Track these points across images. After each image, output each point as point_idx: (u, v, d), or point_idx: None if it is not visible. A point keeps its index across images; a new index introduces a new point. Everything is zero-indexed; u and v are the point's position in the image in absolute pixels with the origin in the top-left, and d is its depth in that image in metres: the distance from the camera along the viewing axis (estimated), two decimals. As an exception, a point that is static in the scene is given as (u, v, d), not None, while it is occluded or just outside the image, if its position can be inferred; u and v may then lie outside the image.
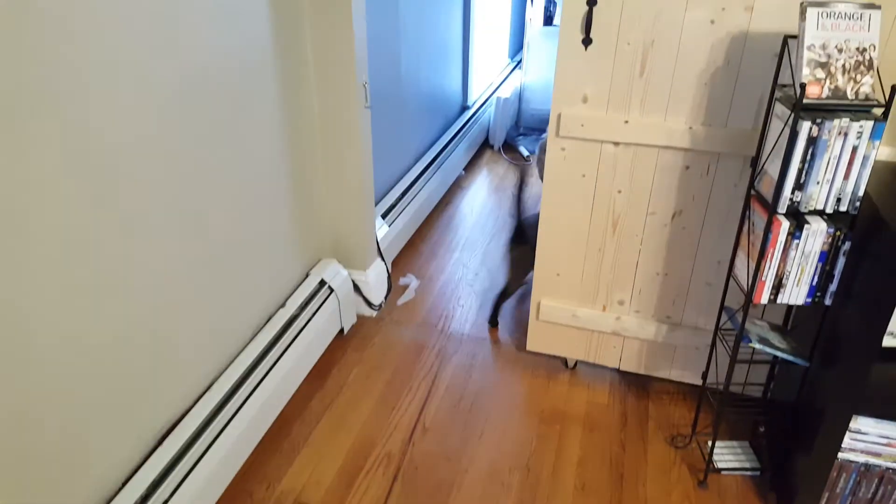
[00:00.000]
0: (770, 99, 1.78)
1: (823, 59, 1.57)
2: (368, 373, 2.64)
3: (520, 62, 5.28)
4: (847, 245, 1.74)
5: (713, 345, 2.22)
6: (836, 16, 1.55)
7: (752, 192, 1.87)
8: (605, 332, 2.50)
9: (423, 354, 2.75)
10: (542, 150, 3.20)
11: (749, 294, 1.86)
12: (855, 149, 1.62)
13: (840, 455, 1.86)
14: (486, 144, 4.94)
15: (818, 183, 1.67)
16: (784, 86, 1.75)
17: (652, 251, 2.30)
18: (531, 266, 2.55)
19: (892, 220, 1.62)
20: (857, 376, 1.75)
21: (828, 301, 1.84)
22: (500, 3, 5.18)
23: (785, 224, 1.73)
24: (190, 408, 2.01)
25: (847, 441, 1.84)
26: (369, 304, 2.94)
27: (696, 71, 1.99)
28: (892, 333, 1.67)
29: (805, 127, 1.59)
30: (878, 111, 1.61)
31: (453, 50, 4.24)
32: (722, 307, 2.12)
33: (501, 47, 5.39)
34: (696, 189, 2.16)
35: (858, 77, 1.58)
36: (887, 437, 1.82)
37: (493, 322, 2.94)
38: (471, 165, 4.61)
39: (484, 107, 4.81)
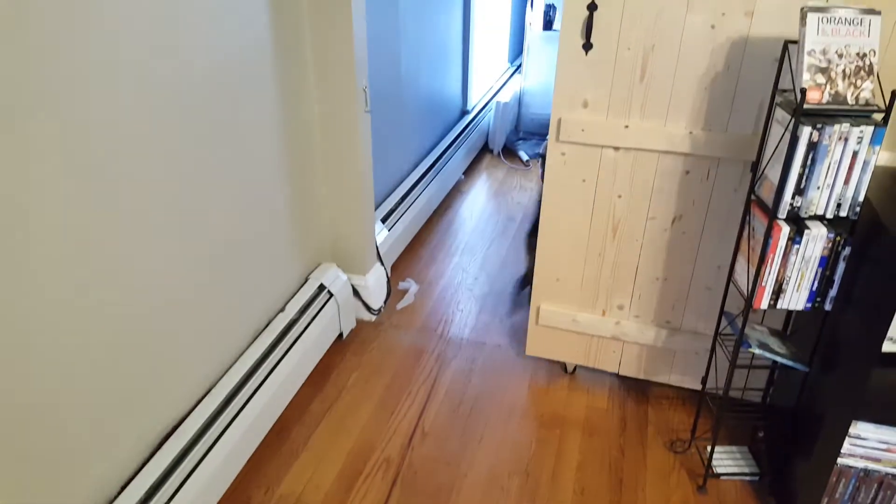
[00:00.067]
0: (770, 104, 1.78)
1: (824, 65, 1.57)
2: (368, 377, 2.64)
3: (519, 66, 5.29)
4: (847, 250, 1.74)
5: (713, 350, 2.22)
6: (836, 21, 1.56)
7: (753, 197, 1.87)
8: (605, 337, 2.50)
9: (422, 359, 2.75)
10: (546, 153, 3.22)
11: (749, 299, 1.86)
12: (855, 154, 1.62)
13: (839, 460, 1.86)
14: (485, 149, 4.95)
15: (818, 188, 1.67)
16: (784, 91, 1.75)
17: (652, 256, 2.30)
18: None
19: (892, 225, 1.62)
20: (857, 381, 1.75)
21: (828, 306, 1.84)
22: (500, 8, 5.18)
23: (785, 229, 1.73)
24: (189, 411, 2.01)
25: (846, 446, 1.83)
26: (368, 308, 2.93)
27: (697, 76, 1.99)
28: (891, 339, 1.67)
29: (805, 132, 1.59)
30: (879, 116, 1.62)
31: (453, 54, 4.25)
32: (722, 312, 2.12)
33: (501, 52, 5.40)
34: (696, 194, 2.16)
35: (859, 82, 1.58)
36: (887, 443, 1.82)
37: (520, 298, 2.93)
38: (470, 170, 4.61)
39: (483, 111, 4.82)
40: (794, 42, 1.64)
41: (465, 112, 4.70)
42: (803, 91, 1.57)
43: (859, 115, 1.62)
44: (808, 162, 1.63)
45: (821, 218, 1.75)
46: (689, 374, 2.47)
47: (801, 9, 1.57)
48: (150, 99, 1.66)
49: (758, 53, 1.92)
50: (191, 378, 2.01)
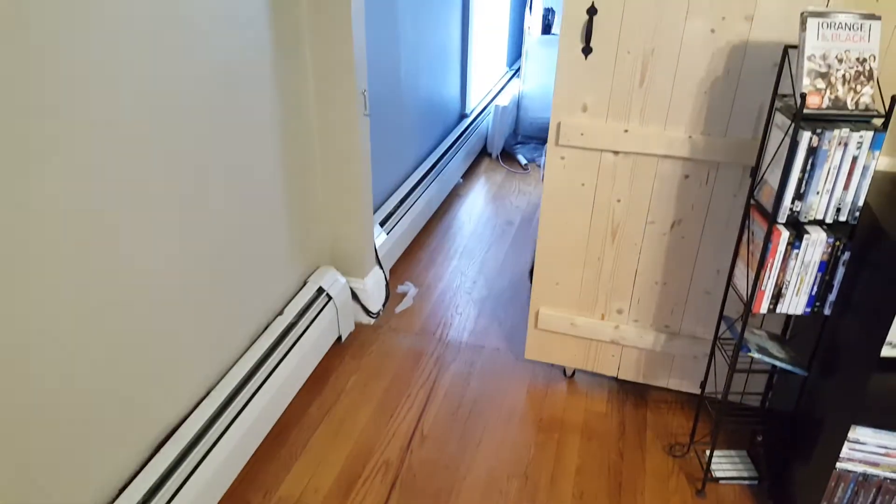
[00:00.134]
0: (770, 109, 1.79)
1: (824, 70, 1.58)
2: (366, 380, 2.63)
3: (518, 70, 5.29)
4: (846, 255, 1.75)
5: (712, 354, 2.22)
6: (836, 26, 1.56)
7: (752, 201, 1.87)
8: (604, 341, 2.50)
9: (421, 362, 2.75)
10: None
11: (748, 303, 1.86)
12: (855, 159, 1.62)
13: (838, 464, 1.86)
14: (484, 152, 4.95)
15: (818, 193, 1.67)
16: (784, 96, 1.75)
17: (651, 260, 2.30)
18: None
19: (891, 230, 1.63)
20: (856, 386, 1.75)
21: (827, 311, 1.85)
22: (499, 12, 5.19)
23: (785, 234, 1.73)
24: (187, 415, 2.00)
25: (845, 451, 1.84)
26: (367, 311, 2.93)
27: (696, 80, 2.00)
28: (890, 343, 1.67)
29: (805, 137, 1.59)
30: (878, 121, 1.62)
31: (452, 58, 4.25)
32: (721, 316, 2.12)
33: (500, 55, 5.41)
34: (695, 198, 2.16)
35: (858, 87, 1.59)
36: (885, 448, 1.82)
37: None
38: (469, 173, 4.62)
39: (482, 115, 4.82)
40: (794, 47, 1.65)
41: (463, 116, 4.70)
42: (803, 96, 1.58)
43: (859, 120, 1.62)
44: (808, 167, 1.64)
45: (820, 223, 1.75)
46: (687, 378, 2.47)
47: (802, 14, 1.57)
48: (150, 99, 1.66)
49: (757, 58, 1.92)
50: (189, 380, 2.00)
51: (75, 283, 1.52)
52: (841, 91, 1.59)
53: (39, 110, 1.36)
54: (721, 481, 2.23)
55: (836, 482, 1.89)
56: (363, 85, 2.51)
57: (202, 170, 1.90)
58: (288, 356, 2.39)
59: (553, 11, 4.75)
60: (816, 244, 1.73)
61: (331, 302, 2.67)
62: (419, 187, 3.69)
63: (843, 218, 1.71)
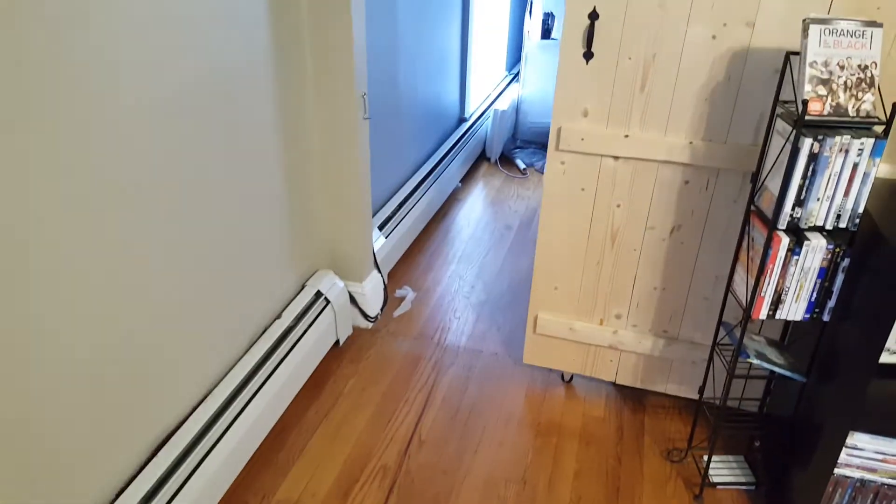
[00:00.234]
0: (771, 115, 1.79)
1: (825, 76, 1.58)
2: (364, 384, 2.63)
3: (517, 75, 5.29)
4: (846, 261, 1.75)
5: (710, 359, 2.22)
6: (838, 33, 1.57)
7: (752, 207, 1.88)
8: (602, 346, 2.50)
9: (419, 366, 2.74)
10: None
11: (748, 309, 1.86)
12: (855, 166, 1.62)
13: (836, 470, 1.86)
14: (482, 157, 4.95)
15: (818, 199, 1.68)
16: (785, 102, 1.76)
17: (650, 265, 2.31)
18: None
19: (891, 236, 1.63)
20: (855, 392, 1.75)
21: (826, 317, 1.85)
22: (498, 16, 5.20)
23: (785, 240, 1.73)
24: (185, 419, 2.00)
25: (843, 456, 1.84)
26: (365, 315, 2.93)
27: (697, 86, 2.00)
28: (888, 349, 1.67)
29: (806, 143, 1.60)
30: (879, 129, 1.62)
31: (451, 61, 4.26)
32: (720, 322, 2.12)
33: (499, 60, 5.41)
34: (695, 204, 2.16)
35: (860, 94, 1.59)
36: (883, 454, 1.82)
37: None
38: (467, 178, 4.62)
39: (481, 119, 4.82)
40: (796, 53, 1.65)
41: (462, 120, 4.71)
42: (805, 102, 1.58)
43: (860, 127, 1.62)
44: (809, 173, 1.64)
45: (820, 229, 1.75)
46: (685, 383, 2.47)
47: (804, 20, 1.57)
48: (148, 101, 1.66)
49: (758, 64, 1.93)
50: (187, 384, 2.00)
51: (73, 286, 1.51)
52: (842, 98, 1.59)
53: (37, 112, 1.36)
54: (718, 486, 2.23)
55: (833, 488, 1.89)
56: (363, 88, 2.51)
57: (201, 172, 1.90)
58: (286, 360, 2.38)
59: (553, 16, 4.76)
60: (816, 250, 1.74)
61: (329, 306, 2.67)
62: (418, 191, 3.69)
63: (842, 224, 1.72)
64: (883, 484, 1.87)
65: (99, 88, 1.49)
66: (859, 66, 1.58)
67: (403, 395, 2.58)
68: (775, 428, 2.20)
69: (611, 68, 2.05)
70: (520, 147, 5.05)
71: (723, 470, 2.27)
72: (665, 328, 2.40)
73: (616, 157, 2.16)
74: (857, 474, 1.86)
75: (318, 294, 2.64)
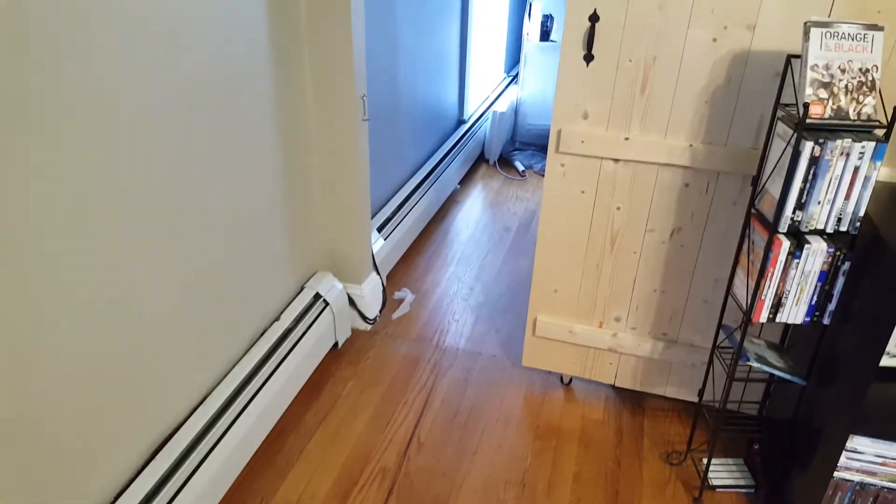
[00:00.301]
0: (772, 118, 1.79)
1: (826, 79, 1.58)
2: (363, 387, 2.62)
3: (515, 77, 5.29)
4: (846, 265, 1.75)
5: (710, 362, 2.21)
6: (839, 36, 1.57)
7: (753, 210, 1.87)
8: (601, 349, 2.50)
9: (418, 369, 2.74)
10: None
11: (748, 312, 1.86)
12: (856, 169, 1.62)
13: (836, 474, 1.86)
14: (481, 158, 4.94)
15: (819, 203, 1.68)
16: (786, 105, 1.76)
17: (650, 268, 2.30)
18: None
19: (892, 239, 1.63)
20: (855, 395, 1.75)
21: (826, 320, 1.85)
22: (497, 18, 5.20)
23: (785, 243, 1.73)
24: (183, 421, 1.99)
25: (843, 460, 1.84)
26: (364, 317, 2.92)
27: (698, 89, 2.00)
28: (889, 353, 1.67)
29: (808, 147, 1.60)
30: (880, 132, 1.62)
31: (450, 63, 4.25)
32: (720, 325, 2.12)
33: (498, 61, 5.41)
34: (694, 207, 2.16)
35: (861, 98, 1.59)
36: (883, 457, 1.82)
37: None
38: (466, 180, 4.61)
39: (480, 121, 4.82)
40: (797, 56, 1.65)
41: (461, 121, 4.70)
42: (806, 105, 1.58)
43: (861, 130, 1.62)
44: (810, 177, 1.64)
45: (821, 232, 1.75)
46: (684, 386, 2.47)
47: (805, 23, 1.57)
48: (148, 104, 1.65)
49: (759, 67, 1.93)
50: (185, 387, 1.99)
51: (73, 290, 1.51)
52: (843, 101, 1.59)
53: (36, 113, 1.35)
54: (718, 489, 2.22)
55: (833, 491, 1.89)
56: (362, 89, 2.50)
57: (199, 174, 1.90)
58: (284, 362, 2.37)
59: (552, 18, 4.76)
60: (817, 254, 1.74)
61: (328, 308, 2.66)
62: (417, 193, 3.68)
63: (843, 228, 1.71)
64: (883, 487, 1.87)
65: (98, 89, 1.48)
66: (860, 69, 1.58)
67: (402, 397, 2.58)
68: (775, 431, 2.20)
69: (611, 71, 2.05)
70: (518, 149, 5.05)
71: (722, 473, 2.27)
72: (664, 331, 2.40)
73: (616, 160, 2.16)
74: (857, 478, 1.86)
75: (317, 296, 2.64)
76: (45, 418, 1.49)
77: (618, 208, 2.24)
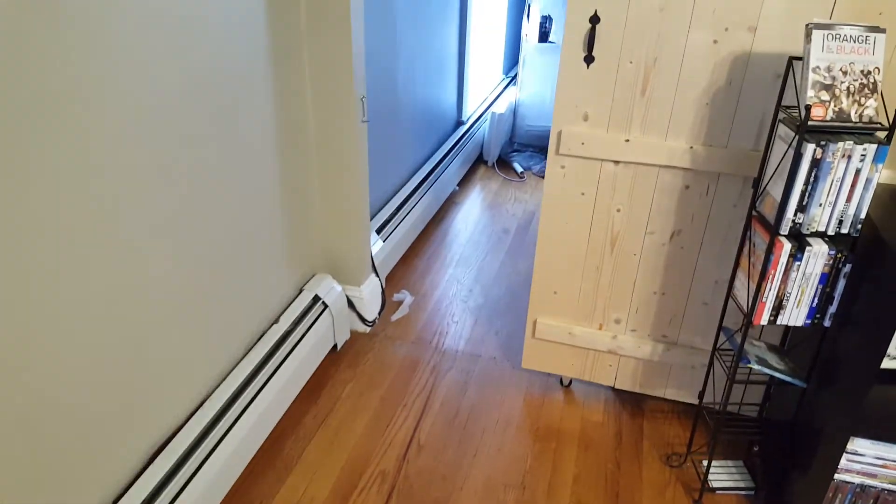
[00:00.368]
0: (773, 120, 1.78)
1: (828, 82, 1.58)
2: (362, 389, 2.62)
3: (514, 78, 5.29)
4: (848, 267, 1.75)
5: (710, 364, 2.21)
6: (841, 38, 1.56)
7: (754, 213, 1.87)
8: (601, 351, 2.49)
9: (417, 371, 2.73)
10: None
11: (749, 315, 1.85)
12: (858, 171, 1.62)
13: (836, 476, 1.86)
14: (480, 160, 4.94)
15: (820, 205, 1.67)
16: (788, 107, 1.75)
17: (650, 270, 2.30)
18: None
19: (893, 242, 1.63)
20: (856, 397, 1.74)
21: (827, 322, 1.85)
22: (496, 19, 5.19)
23: (787, 246, 1.73)
24: (182, 425, 1.98)
25: (843, 462, 1.84)
26: (363, 320, 2.92)
27: (698, 91, 2.00)
28: (889, 355, 1.67)
29: (809, 149, 1.59)
30: (882, 134, 1.62)
31: (449, 64, 4.25)
32: (720, 327, 2.12)
33: (496, 63, 5.41)
34: (695, 209, 2.16)
35: (863, 100, 1.59)
36: (883, 459, 1.82)
37: None
38: (465, 181, 4.61)
39: (479, 122, 4.81)
40: (798, 58, 1.65)
41: (460, 123, 4.70)
42: (808, 108, 1.57)
43: (863, 132, 1.62)
44: (811, 179, 1.63)
45: (822, 235, 1.75)
46: (684, 388, 2.47)
47: (807, 25, 1.57)
48: (147, 105, 1.65)
49: (760, 69, 1.92)
50: (184, 389, 1.98)
51: (71, 292, 1.50)
52: (845, 103, 1.59)
53: (35, 114, 1.34)
54: (718, 491, 2.22)
55: (833, 493, 1.89)
56: (362, 91, 2.50)
57: (197, 176, 1.89)
58: (283, 365, 2.36)
59: (550, 19, 4.76)
60: (818, 256, 1.73)
61: (327, 310, 2.66)
62: (416, 194, 3.67)
63: (844, 230, 1.71)
64: (883, 489, 1.87)
65: (96, 90, 1.48)
66: (862, 71, 1.58)
67: (402, 399, 2.57)
68: (775, 433, 2.19)
69: (612, 72, 2.04)
70: (517, 150, 5.05)
71: (722, 475, 2.26)
72: (664, 333, 2.40)
73: (616, 162, 2.16)
74: (857, 480, 1.86)
75: (316, 298, 2.63)
76: (44, 420, 1.48)
77: (618, 210, 2.23)
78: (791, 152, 1.64)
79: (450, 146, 4.30)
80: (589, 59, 2.04)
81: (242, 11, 1.97)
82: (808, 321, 1.85)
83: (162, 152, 1.72)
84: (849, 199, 1.66)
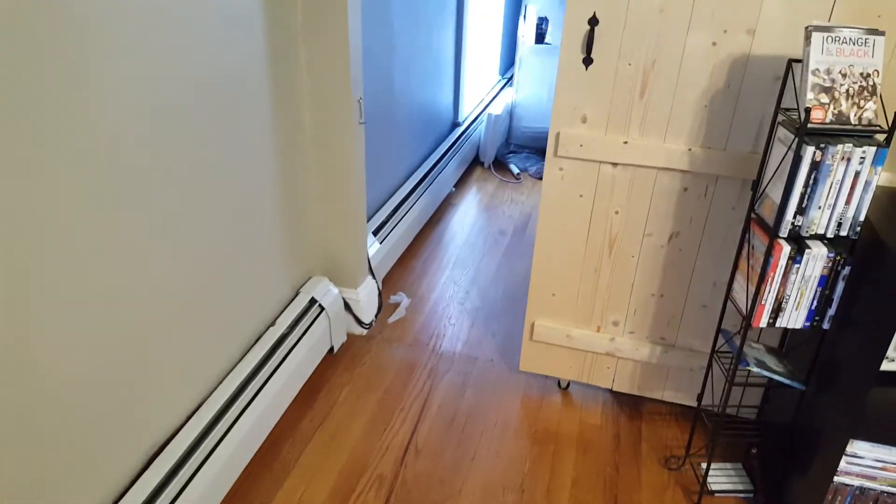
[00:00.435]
0: (773, 123, 1.78)
1: (828, 84, 1.57)
2: (359, 392, 2.60)
3: (510, 79, 5.28)
4: (847, 270, 1.74)
5: (709, 367, 2.21)
6: (840, 41, 1.56)
7: (753, 215, 1.87)
8: (599, 353, 2.49)
9: (414, 374, 2.72)
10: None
11: (748, 317, 1.85)
12: (857, 174, 1.62)
13: (835, 478, 1.86)
14: (476, 161, 4.93)
15: (820, 208, 1.67)
16: (787, 110, 1.75)
17: (648, 272, 2.30)
18: None
19: (892, 244, 1.62)
20: (855, 400, 1.74)
21: (826, 325, 1.84)
22: (492, 21, 5.19)
23: (786, 248, 1.72)
24: (178, 429, 1.97)
25: (843, 464, 1.83)
26: (360, 322, 2.91)
27: (697, 93, 1.99)
28: (889, 357, 1.67)
29: (809, 151, 1.59)
30: (881, 137, 1.62)
31: (445, 65, 4.24)
32: (719, 329, 2.11)
33: (492, 64, 5.40)
34: (693, 211, 2.15)
35: (862, 102, 1.58)
36: (883, 461, 1.82)
37: None
38: (461, 182, 4.60)
39: (475, 123, 4.80)
40: (798, 61, 1.65)
41: (456, 124, 4.69)
42: (808, 110, 1.57)
43: (862, 135, 1.62)
44: (811, 181, 1.63)
45: (821, 237, 1.75)
46: (682, 390, 2.46)
47: (807, 28, 1.57)
48: (144, 107, 1.64)
49: (759, 71, 1.92)
50: (180, 393, 1.97)
51: (69, 293, 1.49)
52: (844, 106, 1.59)
53: (34, 115, 1.33)
54: (716, 494, 2.22)
55: (832, 495, 1.89)
56: (359, 92, 2.49)
57: (194, 178, 1.88)
58: (280, 368, 2.35)
59: (547, 20, 4.75)
60: (817, 259, 1.73)
61: (323, 313, 2.65)
62: (412, 196, 3.66)
63: (843, 233, 1.71)
64: (882, 492, 1.87)
65: (95, 90, 1.47)
66: (861, 73, 1.58)
67: (399, 402, 2.56)
68: (773, 435, 2.19)
69: (610, 74, 2.04)
70: (513, 152, 5.04)
71: (721, 477, 2.26)
72: (663, 335, 2.39)
73: (615, 164, 2.15)
74: (857, 482, 1.86)
75: (313, 301, 2.62)
76: (44, 420, 1.47)
77: (616, 212, 2.23)
78: (790, 155, 1.64)
79: (446, 148, 4.29)
80: (587, 61, 2.04)
81: (239, 13, 1.96)
82: (807, 323, 1.84)
83: (162, 152, 1.71)
84: (848, 202, 1.66)
